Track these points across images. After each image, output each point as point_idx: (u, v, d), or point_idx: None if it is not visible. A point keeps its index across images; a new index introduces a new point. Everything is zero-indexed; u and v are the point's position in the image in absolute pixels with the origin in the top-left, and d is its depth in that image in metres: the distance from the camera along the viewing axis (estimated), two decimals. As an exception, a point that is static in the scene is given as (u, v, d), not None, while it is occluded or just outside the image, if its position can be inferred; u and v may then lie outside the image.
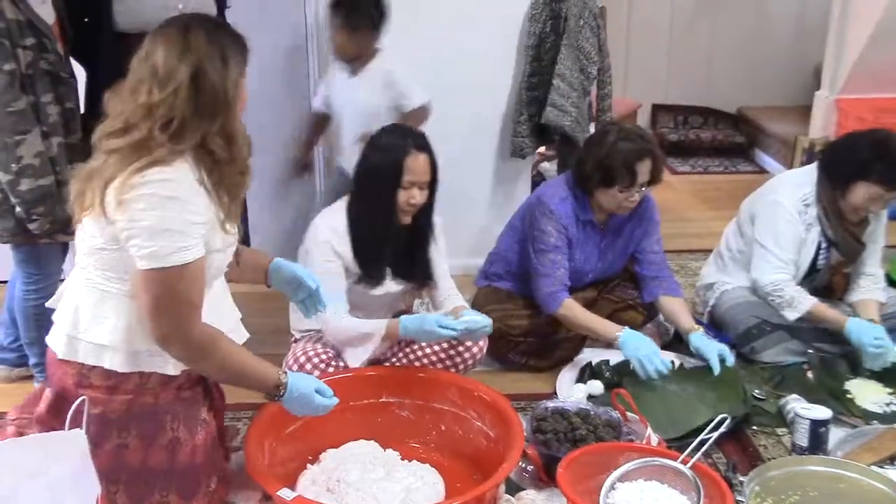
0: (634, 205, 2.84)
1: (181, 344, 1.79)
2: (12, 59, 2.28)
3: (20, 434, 1.90)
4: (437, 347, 2.62)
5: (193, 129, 1.73)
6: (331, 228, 2.48)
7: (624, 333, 2.74)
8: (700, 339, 2.81)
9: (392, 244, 2.54)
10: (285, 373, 1.96)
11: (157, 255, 1.69)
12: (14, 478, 1.63)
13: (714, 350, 2.76)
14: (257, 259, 2.20)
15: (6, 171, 2.34)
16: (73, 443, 1.73)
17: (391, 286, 2.59)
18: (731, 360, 2.77)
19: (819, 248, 2.96)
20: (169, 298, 1.73)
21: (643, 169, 2.75)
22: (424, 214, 2.54)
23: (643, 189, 2.81)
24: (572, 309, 2.84)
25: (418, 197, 2.44)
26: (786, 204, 2.92)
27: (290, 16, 3.45)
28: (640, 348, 2.70)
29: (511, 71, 3.53)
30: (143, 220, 1.68)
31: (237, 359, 1.88)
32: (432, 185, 2.49)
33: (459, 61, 3.48)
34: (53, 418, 1.86)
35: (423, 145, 2.45)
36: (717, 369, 2.72)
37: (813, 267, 2.99)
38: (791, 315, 2.87)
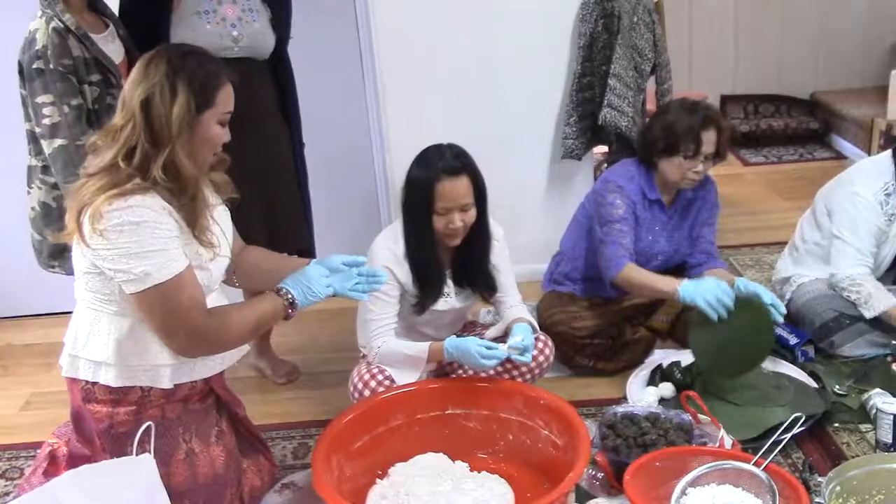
0: (699, 178, 2.81)
1: (202, 343, 1.89)
2: (79, 95, 2.38)
3: (71, 453, 1.99)
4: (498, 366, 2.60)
5: (153, 160, 1.78)
6: (389, 250, 2.47)
7: (682, 285, 2.64)
8: (745, 281, 2.67)
9: (448, 265, 2.53)
10: (282, 288, 1.98)
11: (147, 275, 1.76)
12: (90, 502, 1.69)
13: (762, 288, 2.62)
14: (286, 263, 2.22)
15: None
16: (143, 467, 1.79)
17: (454, 302, 2.58)
18: (769, 297, 2.60)
19: None
20: (174, 311, 1.81)
21: (708, 138, 2.73)
22: (477, 230, 2.49)
23: (708, 161, 2.78)
24: (633, 270, 2.77)
25: (458, 221, 2.38)
26: (864, 194, 2.82)
27: (345, 38, 3.49)
28: (702, 293, 2.58)
29: (563, 72, 3.50)
30: (121, 248, 1.75)
31: (249, 315, 1.94)
32: (480, 202, 2.44)
33: (509, 65, 3.47)
34: (78, 435, 1.97)
35: (456, 168, 2.37)
36: (767, 298, 2.57)
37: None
38: (867, 313, 2.77)
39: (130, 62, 2.57)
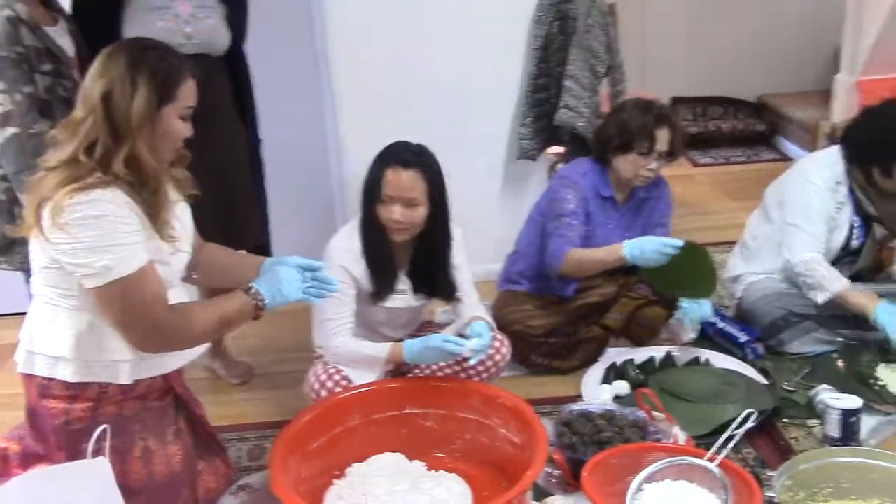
0: (652, 175, 2.86)
1: (163, 338, 1.87)
2: (31, 83, 2.34)
3: (25, 453, 1.96)
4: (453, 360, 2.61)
5: (114, 154, 1.77)
6: (347, 249, 2.47)
7: (626, 246, 2.73)
8: None
9: (406, 263, 2.53)
10: (252, 287, 1.96)
11: (108, 269, 1.75)
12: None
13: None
14: (243, 260, 2.21)
15: None
16: (98, 470, 1.75)
17: (411, 300, 2.58)
18: None
19: (852, 228, 2.92)
20: (135, 306, 1.80)
21: (662, 136, 2.80)
22: (436, 232, 2.49)
23: (661, 159, 2.83)
24: (575, 253, 2.81)
25: (397, 214, 2.37)
26: (816, 181, 2.89)
27: (302, 40, 3.47)
28: (642, 248, 2.70)
29: (518, 73, 3.52)
30: (81, 241, 1.74)
31: (213, 312, 1.93)
32: (436, 202, 2.43)
33: (465, 66, 3.48)
34: (33, 433, 1.94)
35: (408, 161, 2.37)
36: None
37: (847, 248, 2.94)
38: (819, 297, 2.80)
39: (81, 59, 2.54)
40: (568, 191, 2.89)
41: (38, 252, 1.84)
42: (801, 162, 3.14)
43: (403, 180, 2.36)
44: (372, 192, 2.40)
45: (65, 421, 1.88)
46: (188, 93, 1.89)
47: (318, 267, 2.07)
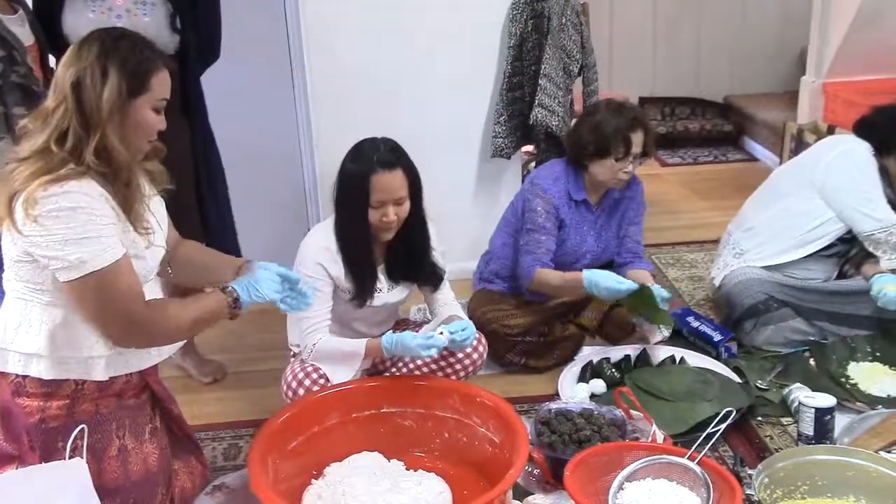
0: (628, 177, 2.87)
1: (138, 333, 1.83)
2: None
3: None
4: (436, 355, 2.60)
5: (85, 144, 1.74)
6: (323, 247, 2.44)
7: (585, 275, 2.75)
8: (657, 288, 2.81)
9: (382, 260, 2.52)
10: (228, 286, 1.97)
11: (83, 262, 1.72)
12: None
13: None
14: (222, 260, 2.18)
15: None
16: (75, 472, 1.71)
17: (387, 298, 2.56)
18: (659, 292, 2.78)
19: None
20: (111, 300, 1.77)
21: (637, 139, 2.80)
22: (414, 223, 2.48)
23: (636, 161, 2.84)
24: (543, 274, 2.86)
25: (392, 214, 2.37)
26: (857, 148, 2.93)
27: (273, 36, 3.43)
28: (598, 282, 2.72)
29: (492, 72, 3.52)
30: (55, 234, 1.70)
31: (189, 310, 1.90)
32: (415, 196, 2.43)
33: (439, 64, 3.47)
34: (5, 433, 1.88)
35: (391, 161, 2.36)
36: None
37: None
38: None
39: (41, 49, 2.49)
40: (538, 201, 2.90)
41: (9, 246, 1.80)
42: (824, 143, 3.17)
43: (393, 182, 2.35)
44: (357, 198, 2.36)
45: (40, 419, 1.83)
46: (162, 84, 1.85)
47: (297, 280, 2.09)
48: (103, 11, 2.51)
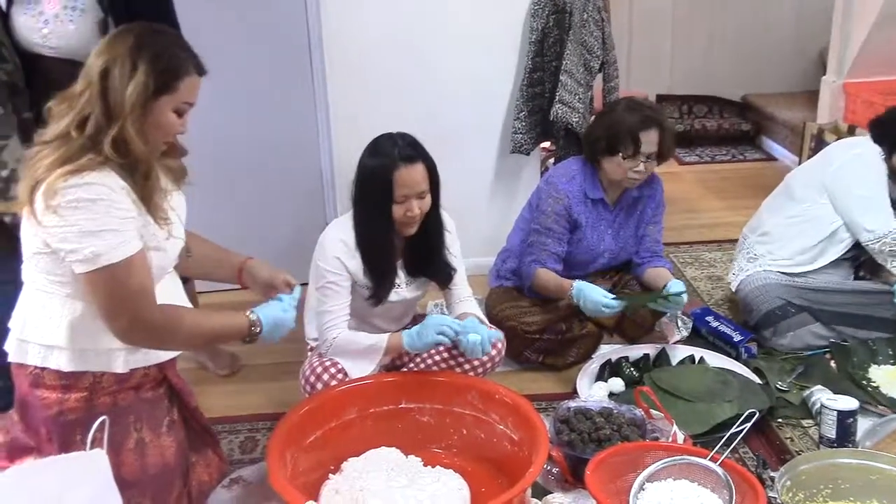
0: (640, 177, 2.83)
1: (145, 333, 1.81)
2: None
3: (12, 445, 1.90)
4: (454, 351, 2.59)
5: (104, 133, 1.73)
6: (341, 241, 2.43)
7: (574, 285, 2.75)
8: (676, 283, 2.79)
9: (402, 255, 2.50)
10: (252, 312, 1.99)
11: (97, 255, 1.70)
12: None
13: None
14: (223, 255, 2.19)
15: None
16: (95, 463, 1.70)
17: (405, 293, 2.55)
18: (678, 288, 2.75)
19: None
20: (121, 295, 1.75)
21: (648, 138, 2.76)
22: (431, 218, 2.47)
23: (650, 161, 2.80)
24: (540, 276, 2.88)
25: (416, 208, 2.36)
26: (869, 152, 2.90)
27: (293, 31, 3.41)
28: (585, 296, 2.71)
29: (513, 67, 3.50)
30: (74, 225, 1.69)
31: (206, 324, 1.92)
32: (433, 189, 2.42)
33: (461, 59, 3.46)
34: (24, 424, 1.88)
35: (412, 155, 2.34)
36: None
37: None
38: None
39: None
40: (549, 202, 2.88)
41: (30, 237, 1.79)
42: (837, 145, 3.14)
43: (414, 176, 2.33)
44: (380, 194, 2.34)
45: (58, 412, 1.82)
46: (190, 88, 1.83)
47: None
48: (34, 15, 2.41)
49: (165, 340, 1.87)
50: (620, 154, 2.77)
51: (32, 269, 1.82)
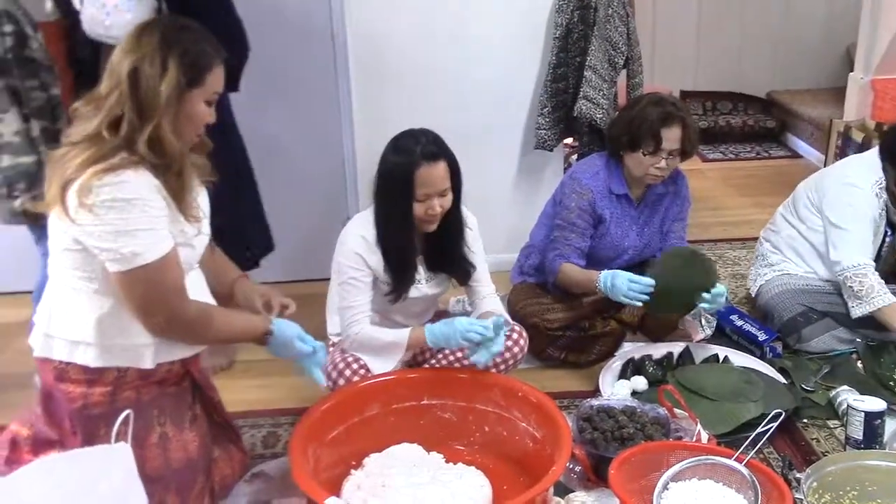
0: (662, 173, 2.80)
1: (180, 328, 1.84)
2: None
3: (36, 438, 1.91)
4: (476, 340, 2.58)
5: (139, 133, 1.73)
6: (361, 237, 2.42)
7: (601, 276, 2.71)
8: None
9: (422, 251, 2.49)
10: (271, 321, 2.02)
11: (134, 255, 1.72)
12: (61, 496, 1.61)
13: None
14: (219, 264, 2.20)
15: None
16: (119, 457, 1.71)
17: (426, 290, 2.54)
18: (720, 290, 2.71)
19: (886, 234, 2.90)
20: (156, 292, 1.77)
21: (670, 135, 2.73)
22: (451, 215, 2.45)
23: (672, 157, 2.77)
24: (565, 270, 2.86)
25: (437, 206, 2.34)
26: (862, 185, 2.85)
27: (316, 25, 3.40)
28: (613, 281, 2.66)
29: (537, 63, 3.48)
30: (109, 224, 1.70)
31: (231, 322, 1.96)
32: (455, 187, 2.40)
33: (484, 54, 3.44)
34: (47, 417, 1.90)
35: (434, 153, 2.32)
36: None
37: (877, 255, 2.92)
38: (859, 309, 2.77)
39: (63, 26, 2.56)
40: (573, 197, 2.87)
41: (59, 233, 1.79)
42: (838, 164, 3.10)
43: (436, 174, 2.32)
44: (401, 192, 2.33)
45: (82, 405, 1.83)
46: (216, 79, 1.85)
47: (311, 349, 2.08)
48: (98, 8, 2.47)
49: (198, 336, 1.90)
50: (642, 150, 2.75)
51: (60, 264, 1.83)
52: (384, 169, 2.39)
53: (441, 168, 2.33)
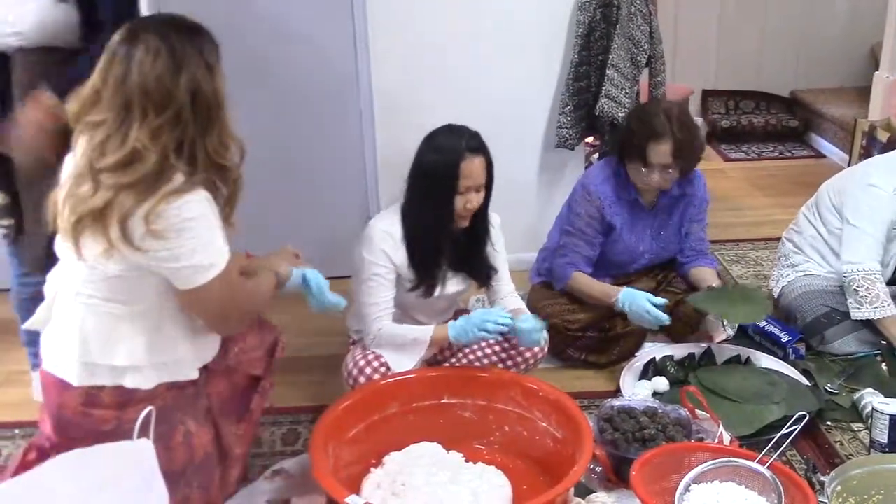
0: (658, 184, 2.77)
1: (249, 316, 2.00)
2: None
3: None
4: (497, 347, 2.58)
5: (202, 148, 1.74)
6: (387, 233, 2.42)
7: (622, 293, 2.72)
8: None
9: (448, 250, 2.49)
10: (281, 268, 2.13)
11: (213, 265, 1.77)
12: (82, 491, 1.62)
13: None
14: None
15: None
16: (141, 453, 1.71)
17: (449, 288, 2.54)
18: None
19: None
20: (230, 296, 1.84)
21: (658, 150, 2.68)
22: (480, 214, 2.46)
23: (666, 171, 2.72)
24: (578, 279, 2.87)
25: (475, 200, 2.36)
26: (883, 186, 2.81)
27: (338, 23, 3.40)
28: (631, 301, 2.69)
29: (559, 61, 3.47)
30: (182, 245, 1.71)
31: (262, 288, 2.04)
32: (488, 184, 2.41)
33: (506, 52, 3.43)
34: (67, 441, 1.82)
35: (477, 147, 2.35)
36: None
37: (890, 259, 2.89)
38: (861, 313, 2.75)
39: None
40: (583, 205, 2.86)
41: (105, 264, 1.74)
42: (862, 165, 3.07)
43: (478, 167, 2.34)
44: (445, 185, 2.33)
45: (116, 426, 1.82)
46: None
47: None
48: None
49: (253, 315, 2.04)
50: (633, 162, 2.75)
51: (92, 293, 1.79)
52: (426, 161, 2.38)
53: (480, 161, 2.35)
